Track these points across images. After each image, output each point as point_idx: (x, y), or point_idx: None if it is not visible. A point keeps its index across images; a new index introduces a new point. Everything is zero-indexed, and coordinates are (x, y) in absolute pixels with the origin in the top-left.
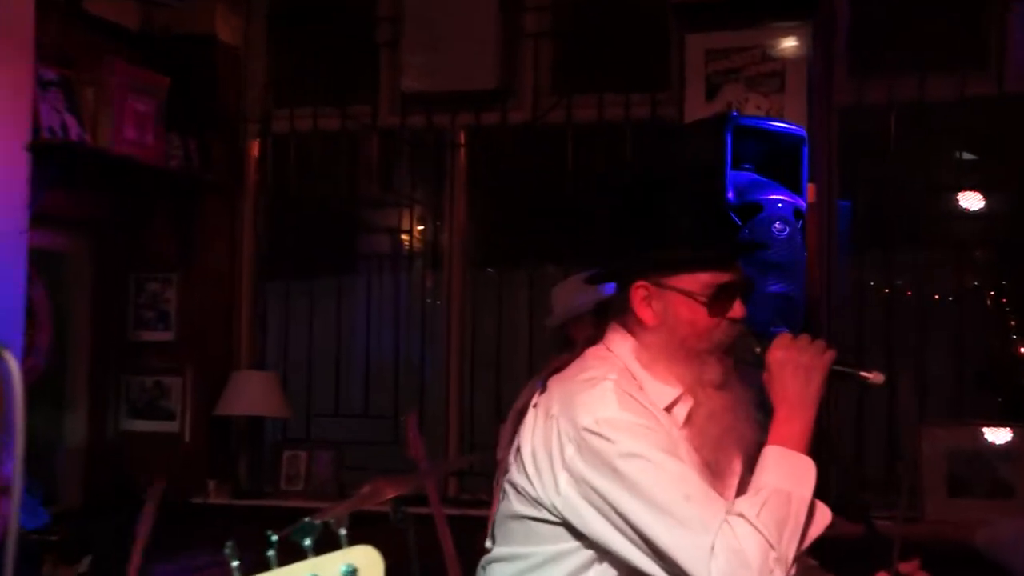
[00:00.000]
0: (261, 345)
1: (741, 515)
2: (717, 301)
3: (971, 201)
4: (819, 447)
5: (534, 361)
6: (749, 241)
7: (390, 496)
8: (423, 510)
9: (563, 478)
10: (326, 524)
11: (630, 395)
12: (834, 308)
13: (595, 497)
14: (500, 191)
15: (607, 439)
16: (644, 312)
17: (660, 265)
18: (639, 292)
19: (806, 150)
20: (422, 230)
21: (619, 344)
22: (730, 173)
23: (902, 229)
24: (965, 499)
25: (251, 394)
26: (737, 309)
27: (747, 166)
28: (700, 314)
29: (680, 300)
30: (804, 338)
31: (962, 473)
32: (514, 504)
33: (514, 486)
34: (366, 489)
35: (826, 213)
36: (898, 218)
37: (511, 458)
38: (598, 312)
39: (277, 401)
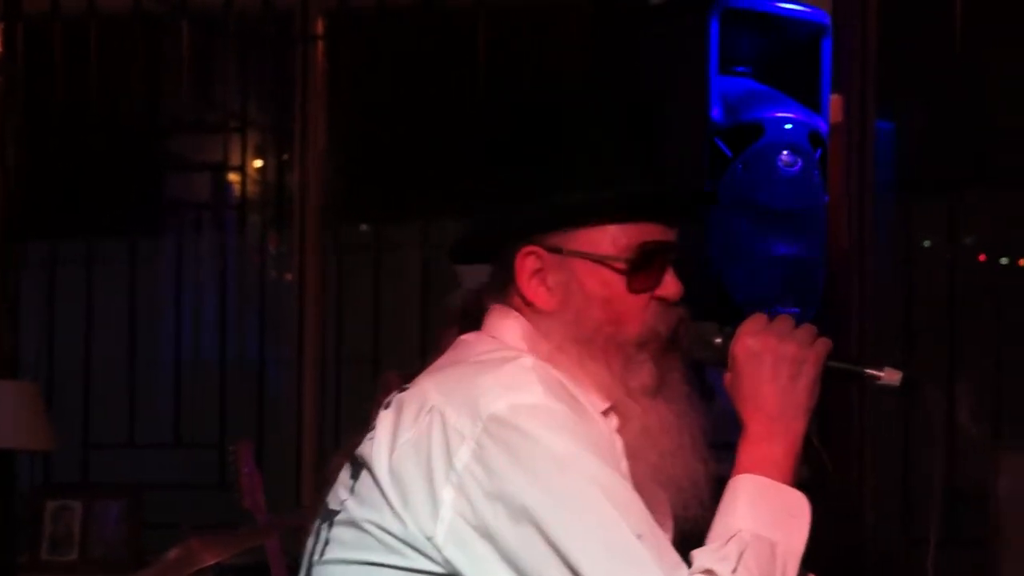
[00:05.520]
0: (11, 341)
1: (710, 572)
2: (641, 268)
3: None
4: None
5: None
6: (698, 190)
7: (210, 563)
8: None
9: (447, 497)
10: None
11: (559, 381)
12: (870, 279)
13: (502, 526)
14: (377, 107)
15: (529, 436)
16: (536, 291)
17: (555, 217)
18: (528, 263)
19: (829, 45)
20: (260, 168)
21: (510, 331)
22: (715, 79)
23: (972, 163)
24: None
25: None
26: (669, 285)
27: (742, 69)
28: (617, 287)
29: (588, 269)
30: (785, 321)
31: None
32: (353, 555)
33: (357, 527)
34: (174, 554)
35: (858, 139)
36: (967, 147)
37: (341, 488)
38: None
39: (36, 425)
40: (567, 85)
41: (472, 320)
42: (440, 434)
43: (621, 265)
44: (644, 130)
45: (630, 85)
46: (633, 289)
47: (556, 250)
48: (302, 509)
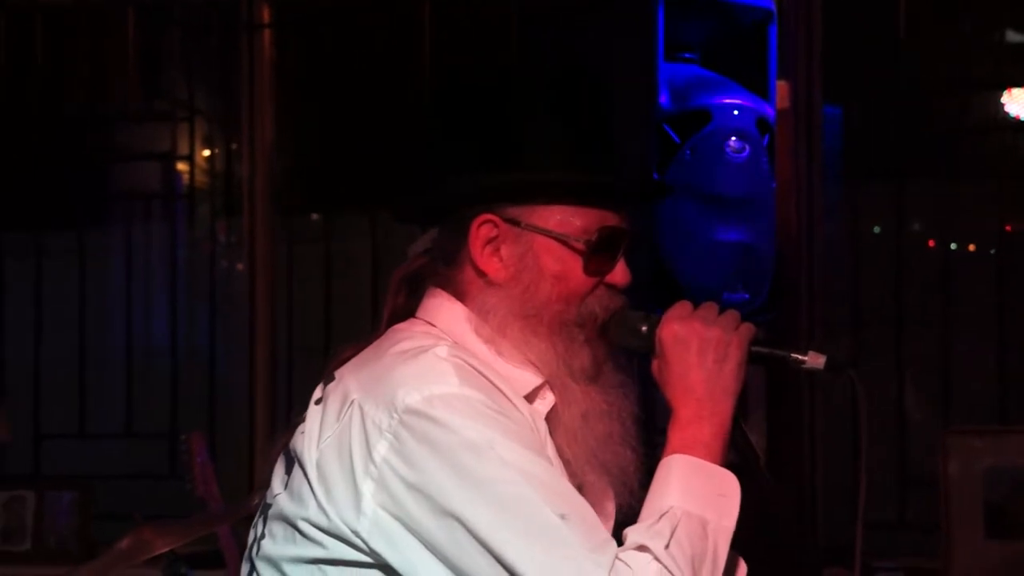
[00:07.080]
0: None
1: (643, 548)
2: (599, 253)
3: (1022, 106)
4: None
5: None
6: (660, 181)
7: (163, 551)
8: (215, 574)
9: (368, 490)
10: None
11: (474, 369)
12: (819, 265)
13: (424, 516)
14: (325, 96)
15: (444, 426)
16: (488, 260)
17: (519, 190)
18: (483, 231)
19: (775, 31)
20: (209, 157)
21: (446, 314)
22: (663, 65)
23: (919, 149)
24: (1010, 542)
25: None
26: (619, 272)
27: (689, 56)
28: (574, 268)
29: (546, 245)
30: (709, 307)
31: (1006, 503)
32: (283, 549)
33: (288, 522)
34: (127, 543)
35: (805, 125)
36: (912, 132)
37: (276, 481)
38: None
39: None
40: (531, 65)
41: (417, 286)
42: (359, 428)
43: (581, 246)
44: (607, 116)
45: (589, 70)
46: (588, 271)
47: (514, 222)
48: (251, 497)
